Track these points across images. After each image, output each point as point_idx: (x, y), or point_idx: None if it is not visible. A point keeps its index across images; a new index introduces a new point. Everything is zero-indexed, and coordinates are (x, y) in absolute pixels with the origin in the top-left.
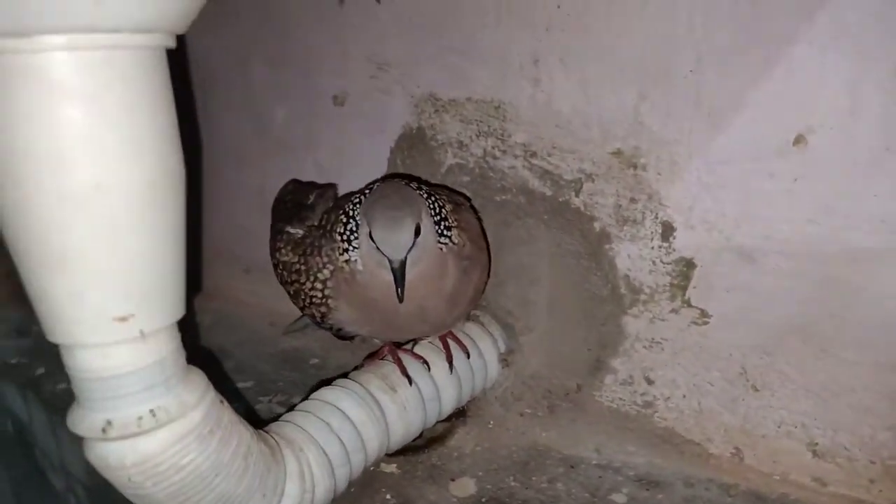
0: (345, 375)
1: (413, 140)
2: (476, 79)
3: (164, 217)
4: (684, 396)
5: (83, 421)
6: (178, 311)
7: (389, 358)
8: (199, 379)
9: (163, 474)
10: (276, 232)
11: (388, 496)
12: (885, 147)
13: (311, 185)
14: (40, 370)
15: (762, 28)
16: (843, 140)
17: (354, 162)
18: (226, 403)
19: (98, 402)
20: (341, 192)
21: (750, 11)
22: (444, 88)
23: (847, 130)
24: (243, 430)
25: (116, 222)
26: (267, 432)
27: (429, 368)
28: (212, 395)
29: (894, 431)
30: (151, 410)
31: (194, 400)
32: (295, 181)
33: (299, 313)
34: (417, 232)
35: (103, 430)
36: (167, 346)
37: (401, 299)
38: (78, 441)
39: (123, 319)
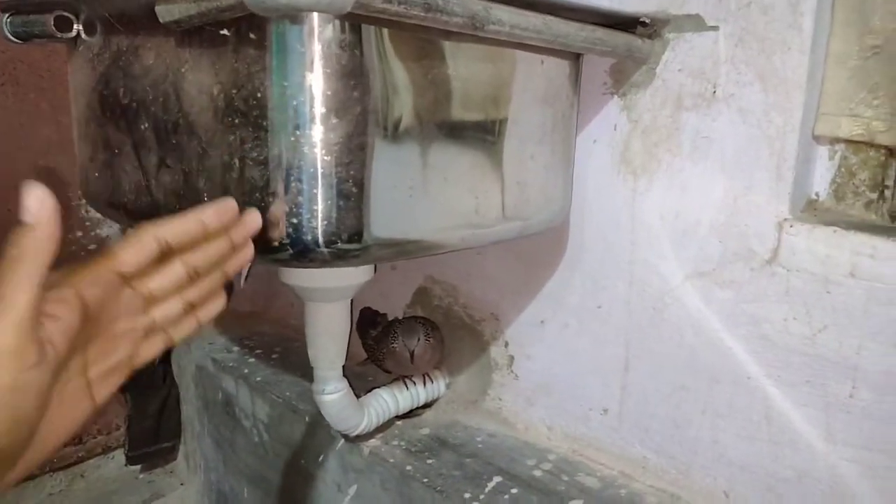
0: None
1: (422, 291)
2: (447, 274)
3: (346, 335)
4: (511, 405)
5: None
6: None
7: (401, 380)
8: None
9: (330, 405)
10: (364, 331)
11: (395, 431)
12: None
13: (376, 312)
14: (246, 370)
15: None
16: (560, 326)
17: (399, 296)
18: (351, 391)
19: (318, 385)
20: (386, 309)
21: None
22: (435, 274)
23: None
24: (352, 394)
25: (335, 337)
26: (361, 401)
27: (415, 384)
28: (346, 383)
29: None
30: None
31: (344, 384)
32: (368, 308)
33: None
34: (419, 339)
35: (323, 391)
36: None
37: (412, 363)
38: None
39: (332, 363)
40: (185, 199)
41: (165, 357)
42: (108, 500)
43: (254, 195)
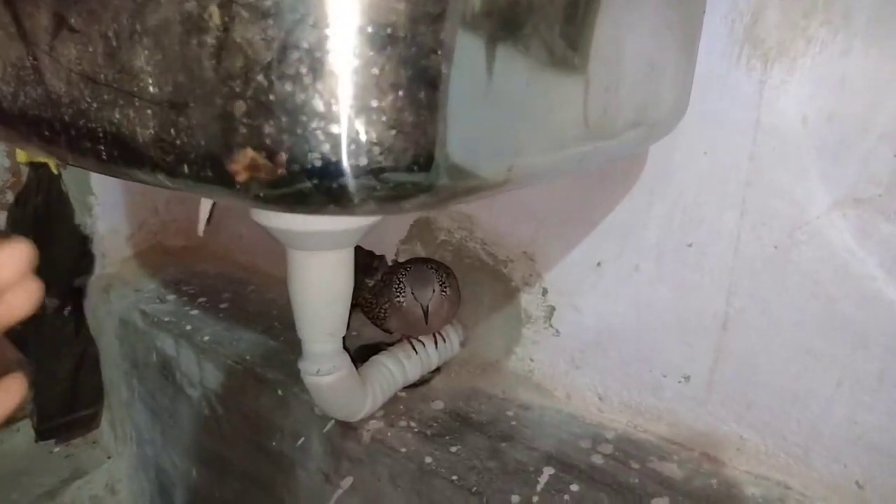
0: (378, 345)
1: (423, 223)
2: None
3: (348, 299)
4: (547, 368)
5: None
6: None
7: (406, 342)
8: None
9: (326, 389)
10: (358, 279)
11: (401, 407)
12: (629, 275)
13: (370, 253)
14: (188, 327)
15: (584, 216)
16: (614, 267)
17: (392, 229)
18: (352, 367)
19: (310, 364)
20: (377, 248)
21: (578, 211)
22: None
23: (617, 263)
24: (355, 373)
25: (339, 300)
26: (359, 371)
27: (424, 347)
28: (348, 359)
29: (628, 389)
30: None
31: (346, 361)
32: (360, 247)
33: None
34: (433, 291)
35: (317, 372)
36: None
37: (427, 324)
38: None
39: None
40: (104, 90)
41: (76, 306)
42: (17, 481)
43: (244, 82)
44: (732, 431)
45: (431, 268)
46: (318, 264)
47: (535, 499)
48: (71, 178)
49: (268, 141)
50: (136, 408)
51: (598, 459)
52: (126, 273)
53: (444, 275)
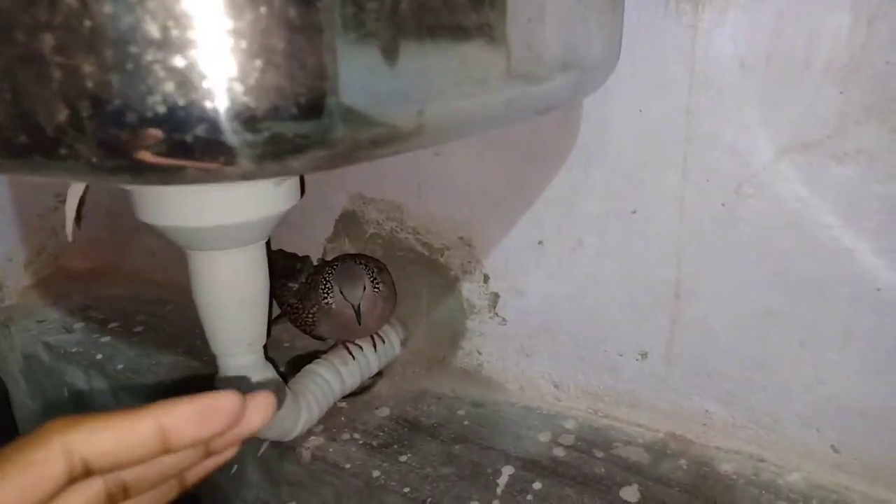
0: (314, 354)
1: (349, 217)
2: (386, 189)
3: (264, 302)
4: (496, 360)
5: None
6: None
7: (342, 347)
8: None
9: None
10: (281, 284)
11: (342, 418)
12: (573, 249)
13: (294, 255)
14: (99, 356)
15: (519, 193)
16: (556, 246)
17: (313, 226)
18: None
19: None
20: (302, 249)
21: (514, 185)
22: (367, 191)
23: (558, 242)
24: (283, 386)
25: (248, 306)
26: (289, 386)
27: (362, 350)
28: (273, 372)
29: (585, 374)
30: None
31: (270, 374)
32: (281, 250)
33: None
34: (364, 288)
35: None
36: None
37: (360, 324)
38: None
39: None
40: None
41: None
42: None
43: (91, 39)
44: (697, 406)
45: (360, 263)
46: (225, 265)
47: (496, 503)
48: None
49: (90, 85)
50: None
51: (559, 452)
52: (27, 303)
53: (374, 270)
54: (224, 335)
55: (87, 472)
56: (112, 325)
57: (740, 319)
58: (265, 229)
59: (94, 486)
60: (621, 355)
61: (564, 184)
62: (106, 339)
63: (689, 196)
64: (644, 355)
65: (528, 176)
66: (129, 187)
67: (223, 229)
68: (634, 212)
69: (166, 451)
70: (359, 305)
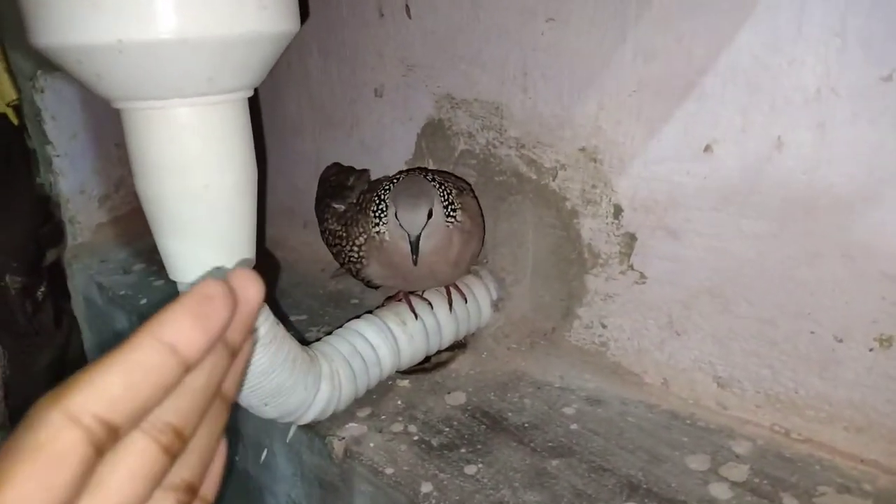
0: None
1: (434, 129)
2: (481, 84)
3: (244, 202)
4: (628, 338)
5: None
6: (252, 261)
7: (403, 300)
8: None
9: None
10: (324, 205)
11: (399, 402)
12: (767, 158)
13: (350, 169)
14: (143, 301)
15: (683, 63)
16: (736, 151)
17: (389, 143)
18: (280, 324)
19: None
20: (375, 173)
21: (677, 49)
22: (457, 90)
23: (740, 144)
24: (292, 343)
25: (216, 206)
26: (310, 348)
27: (432, 308)
28: (271, 317)
29: (772, 369)
30: None
31: (260, 319)
32: (337, 164)
33: None
34: (430, 215)
35: None
36: None
37: (415, 264)
38: None
39: (218, 268)
40: None
41: (54, 281)
42: None
43: None
44: None
45: (432, 179)
46: (182, 128)
47: None
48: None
49: None
50: None
51: (722, 492)
52: (98, 242)
53: (451, 191)
54: (177, 246)
55: (114, 432)
56: None
57: None
58: (244, 64)
59: (138, 444)
60: (840, 341)
61: (760, 34)
62: (159, 282)
63: None
64: (887, 342)
65: (696, 32)
66: None
67: (174, 53)
68: (889, 77)
69: (186, 367)
70: (418, 237)
